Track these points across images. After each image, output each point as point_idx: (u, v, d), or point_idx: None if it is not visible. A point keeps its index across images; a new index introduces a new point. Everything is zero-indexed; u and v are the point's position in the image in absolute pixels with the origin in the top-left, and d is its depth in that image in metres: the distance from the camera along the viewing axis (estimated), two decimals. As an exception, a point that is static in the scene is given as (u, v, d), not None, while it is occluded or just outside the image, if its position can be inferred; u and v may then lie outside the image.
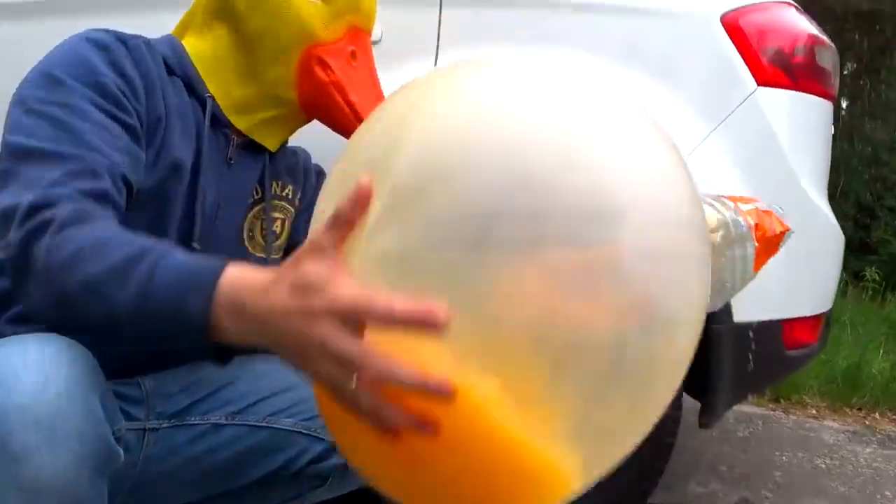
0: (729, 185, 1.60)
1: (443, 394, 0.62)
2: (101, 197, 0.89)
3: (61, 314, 0.83)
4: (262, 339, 0.71)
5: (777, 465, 2.53)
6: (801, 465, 2.55)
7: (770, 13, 1.71)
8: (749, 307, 1.62)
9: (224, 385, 1.15)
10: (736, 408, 2.99)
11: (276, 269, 0.71)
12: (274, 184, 1.21)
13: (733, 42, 1.65)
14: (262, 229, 1.18)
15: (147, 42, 1.07)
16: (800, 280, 1.74)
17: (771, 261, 1.63)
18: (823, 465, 2.58)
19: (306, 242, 0.70)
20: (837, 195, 7.72)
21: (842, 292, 5.17)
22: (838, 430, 3.04)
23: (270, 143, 1.16)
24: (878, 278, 5.07)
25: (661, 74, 1.62)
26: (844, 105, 10.03)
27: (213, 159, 1.10)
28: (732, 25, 1.65)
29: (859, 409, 3.33)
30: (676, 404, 1.69)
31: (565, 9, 1.65)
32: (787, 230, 1.07)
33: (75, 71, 0.96)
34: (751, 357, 1.66)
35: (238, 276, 0.74)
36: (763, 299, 1.64)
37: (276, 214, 1.20)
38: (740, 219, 0.99)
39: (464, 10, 1.64)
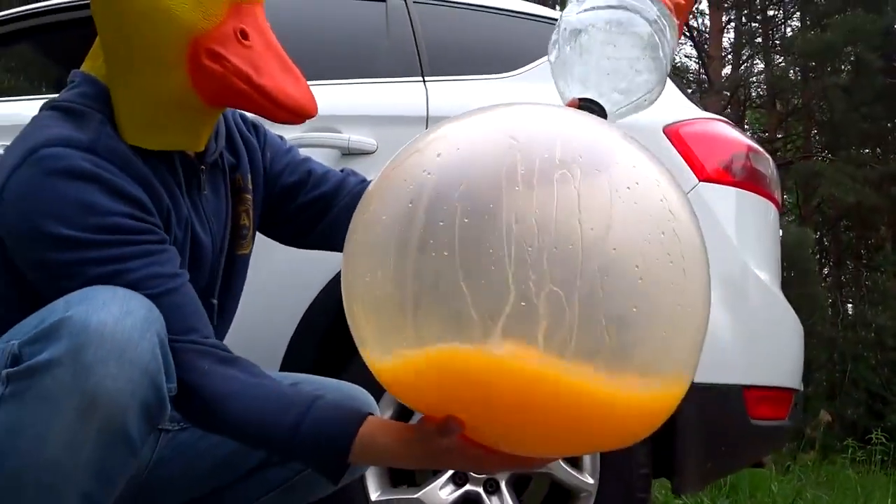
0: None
1: None
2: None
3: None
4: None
5: None
6: None
7: (709, 125, 1.98)
8: (706, 371, 1.74)
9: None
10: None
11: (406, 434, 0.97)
12: (231, 183, 1.21)
13: (676, 149, 1.87)
14: (235, 229, 1.21)
15: (101, 122, 1.04)
16: (758, 352, 1.88)
17: (728, 333, 1.79)
18: None
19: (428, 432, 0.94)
20: (846, 382, 7.82)
21: (850, 460, 5.14)
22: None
23: (197, 146, 1.12)
24: (885, 441, 5.03)
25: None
26: (849, 300, 10.32)
27: (195, 206, 1.13)
28: (674, 134, 1.89)
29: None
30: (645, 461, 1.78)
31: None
32: None
33: (83, 221, 0.98)
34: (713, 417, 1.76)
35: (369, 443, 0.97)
36: (720, 365, 1.77)
37: (240, 209, 1.22)
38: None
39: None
